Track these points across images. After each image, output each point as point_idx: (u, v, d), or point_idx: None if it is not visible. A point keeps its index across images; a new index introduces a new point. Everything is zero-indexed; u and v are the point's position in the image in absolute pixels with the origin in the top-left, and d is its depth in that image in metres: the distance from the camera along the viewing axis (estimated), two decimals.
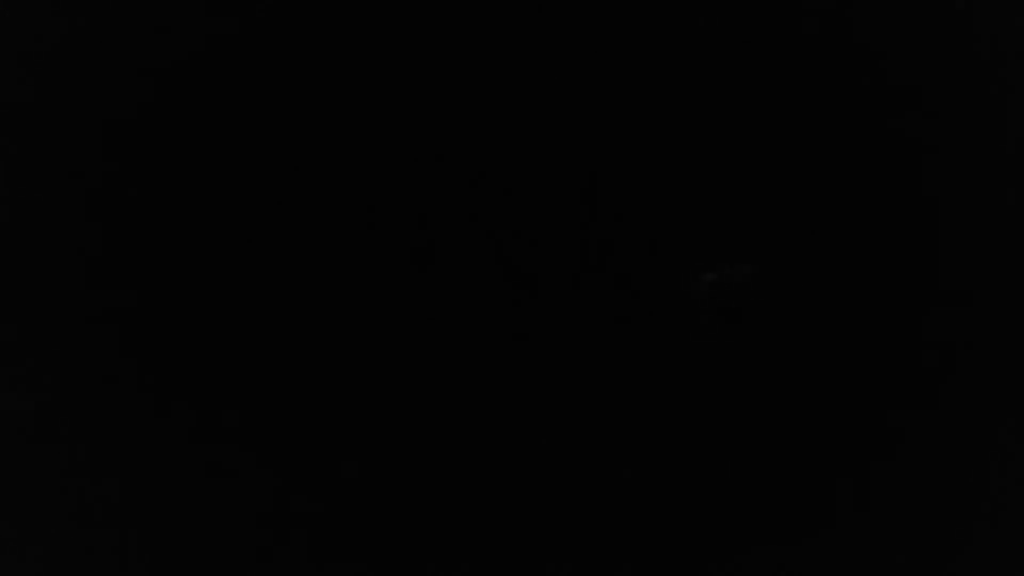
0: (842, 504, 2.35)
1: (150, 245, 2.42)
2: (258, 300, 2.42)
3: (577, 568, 2.33)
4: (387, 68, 2.44)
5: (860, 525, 2.34)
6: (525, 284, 2.42)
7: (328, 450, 2.38)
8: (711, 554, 2.34)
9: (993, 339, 2.37)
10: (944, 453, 2.35)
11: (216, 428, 2.39)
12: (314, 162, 2.45)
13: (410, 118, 2.45)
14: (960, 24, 2.40)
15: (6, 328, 2.40)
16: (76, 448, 2.38)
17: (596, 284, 2.42)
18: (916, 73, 2.40)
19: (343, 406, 2.40)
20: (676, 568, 2.32)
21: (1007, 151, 2.40)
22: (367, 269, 2.44)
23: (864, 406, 2.39)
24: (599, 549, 2.34)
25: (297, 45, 2.44)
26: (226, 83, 2.44)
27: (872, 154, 2.43)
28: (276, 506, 2.36)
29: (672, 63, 2.44)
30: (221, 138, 2.43)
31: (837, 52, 2.42)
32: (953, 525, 2.31)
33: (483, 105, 2.45)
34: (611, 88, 2.45)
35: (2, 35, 2.39)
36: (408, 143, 2.46)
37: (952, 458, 2.34)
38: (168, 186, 2.43)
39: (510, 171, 2.44)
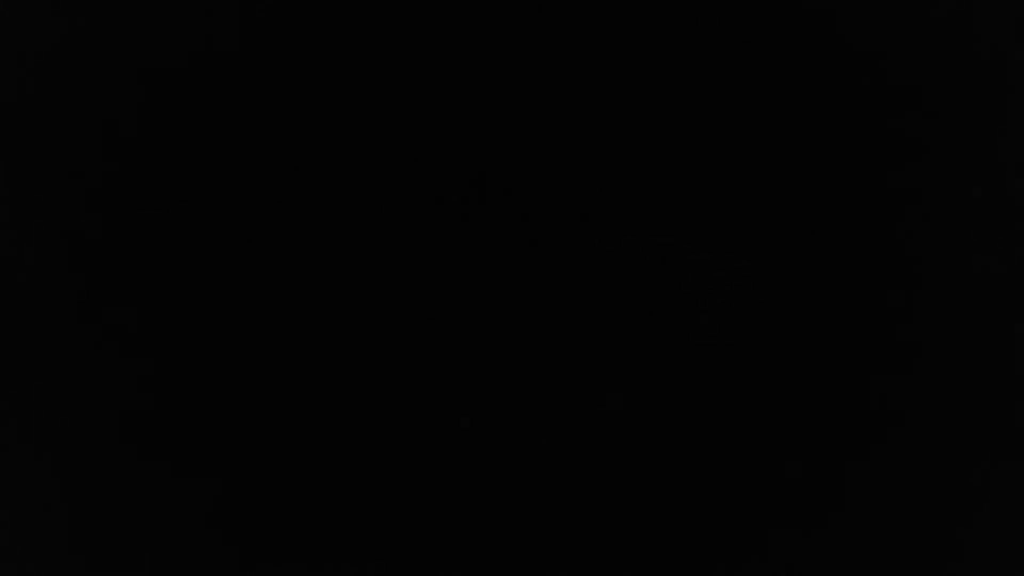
0: (840, 505, 2.35)
1: (149, 246, 2.42)
2: (257, 302, 2.42)
3: (576, 568, 2.33)
4: (386, 69, 2.44)
5: (858, 526, 2.34)
6: (522, 283, 2.42)
7: (327, 452, 2.38)
8: (708, 554, 2.34)
9: (992, 339, 2.37)
10: (943, 454, 2.34)
11: (214, 429, 2.40)
12: (315, 165, 2.45)
13: (407, 119, 2.45)
14: (960, 24, 2.40)
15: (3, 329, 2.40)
16: (71, 451, 2.38)
17: (593, 284, 2.42)
18: (916, 73, 2.40)
19: (342, 408, 2.40)
20: (673, 568, 2.32)
21: (1007, 152, 2.39)
22: (362, 270, 2.44)
23: (862, 407, 2.38)
24: (592, 551, 2.34)
25: (298, 46, 2.44)
26: (226, 84, 2.44)
27: (869, 155, 2.43)
28: (274, 507, 2.36)
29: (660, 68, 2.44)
30: (221, 140, 2.43)
31: (832, 51, 2.41)
32: (952, 525, 2.31)
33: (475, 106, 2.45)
34: (606, 88, 2.45)
35: (2, 35, 2.39)
36: (406, 144, 2.46)
37: (951, 458, 2.34)
38: (168, 189, 2.43)
39: (505, 172, 2.44)
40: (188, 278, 2.42)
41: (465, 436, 2.37)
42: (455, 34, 2.44)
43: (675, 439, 2.37)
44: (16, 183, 2.42)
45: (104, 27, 2.42)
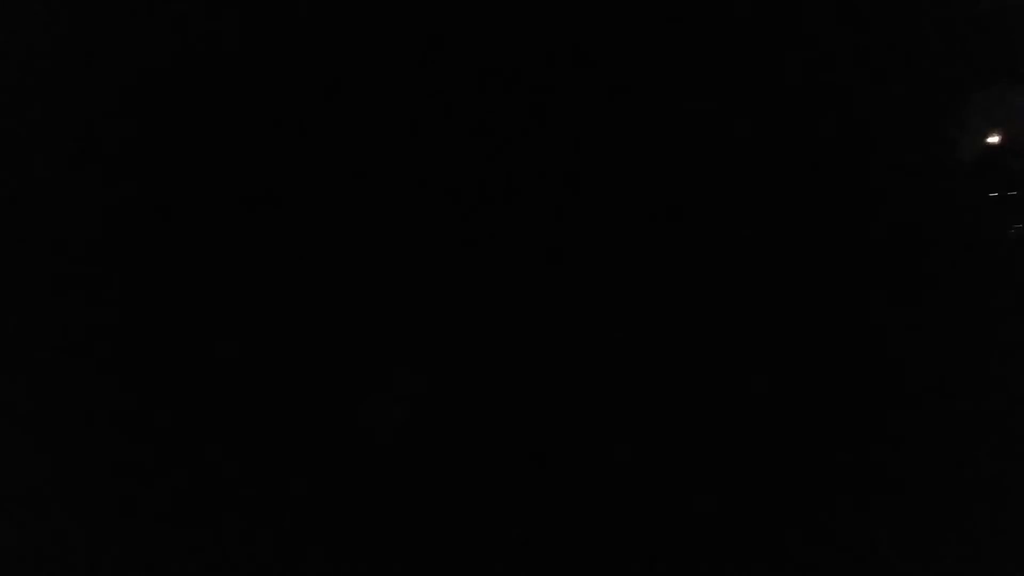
0: (836, 507, 2.34)
1: (142, 247, 2.43)
2: (252, 304, 2.43)
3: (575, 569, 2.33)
4: (383, 69, 2.45)
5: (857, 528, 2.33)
6: (517, 284, 2.42)
7: (323, 452, 2.38)
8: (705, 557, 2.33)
9: (989, 337, 2.37)
10: (941, 454, 2.34)
11: (209, 431, 2.40)
12: (313, 170, 2.46)
13: (404, 120, 2.46)
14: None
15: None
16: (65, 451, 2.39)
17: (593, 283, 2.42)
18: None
19: (339, 408, 2.40)
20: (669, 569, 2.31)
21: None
22: (358, 275, 2.44)
23: (859, 410, 2.38)
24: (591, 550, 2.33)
25: (296, 48, 2.45)
26: (222, 86, 2.45)
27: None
28: (269, 507, 2.36)
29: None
30: (217, 142, 2.44)
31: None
32: (952, 525, 2.30)
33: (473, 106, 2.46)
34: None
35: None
36: (403, 147, 2.46)
37: (950, 458, 2.34)
38: (163, 188, 2.44)
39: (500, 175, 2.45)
40: (182, 280, 2.43)
41: (464, 437, 2.37)
42: (455, 34, 2.45)
43: (675, 435, 2.36)
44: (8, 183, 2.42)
45: (99, 27, 2.43)
